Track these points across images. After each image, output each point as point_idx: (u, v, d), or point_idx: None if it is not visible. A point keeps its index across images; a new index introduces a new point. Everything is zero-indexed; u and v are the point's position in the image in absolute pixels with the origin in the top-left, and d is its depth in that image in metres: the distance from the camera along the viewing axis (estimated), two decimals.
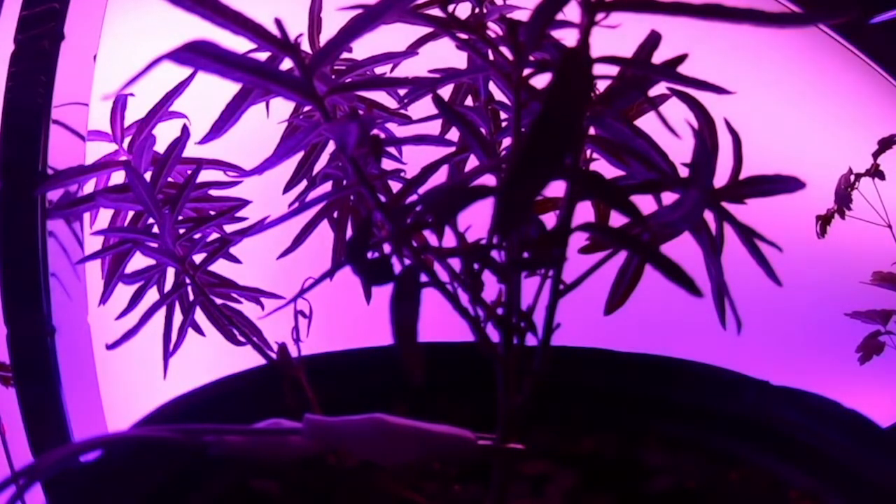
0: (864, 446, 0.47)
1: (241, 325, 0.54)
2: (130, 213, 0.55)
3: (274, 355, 0.53)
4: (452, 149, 0.47)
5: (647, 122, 0.37)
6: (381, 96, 0.55)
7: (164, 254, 0.51)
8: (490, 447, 0.38)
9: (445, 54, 0.50)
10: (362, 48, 0.43)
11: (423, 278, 0.32)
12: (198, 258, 0.53)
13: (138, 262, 0.54)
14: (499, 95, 0.47)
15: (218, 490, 0.47)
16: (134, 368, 0.76)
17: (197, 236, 0.52)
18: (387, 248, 0.35)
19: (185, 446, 0.38)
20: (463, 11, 0.50)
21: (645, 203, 0.31)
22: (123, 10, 0.73)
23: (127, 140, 0.58)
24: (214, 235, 0.54)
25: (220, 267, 0.55)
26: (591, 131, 0.37)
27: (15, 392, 0.60)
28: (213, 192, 0.56)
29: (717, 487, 0.47)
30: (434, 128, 0.53)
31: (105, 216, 0.58)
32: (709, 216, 0.36)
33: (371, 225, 0.34)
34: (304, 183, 0.55)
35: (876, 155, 0.82)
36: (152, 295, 0.54)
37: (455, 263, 0.36)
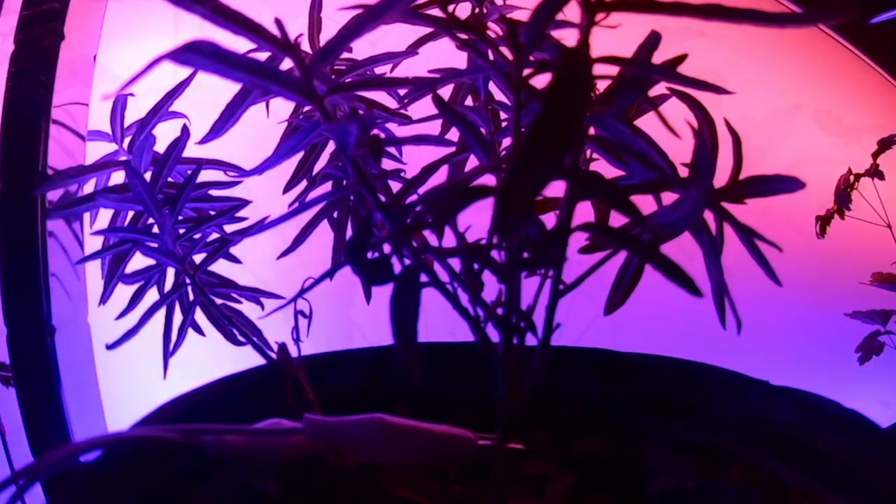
0: (864, 446, 0.47)
1: (241, 325, 0.54)
2: (130, 213, 0.55)
3: (274, 355, 0.53)
4: (452, 149, 0.47)
5: (647, 122, 0.37)
6: (381, 96, 0.55)
7: (164, 254, 0.51)
8: (490, 447, 0.38)
9: (445, 54, 0.50)
10: (362, 48, 0.43)
11: (423, 278, 0.32)
12: (198, 258, 0.53)
13: (138, 262, 0.54)
14: (499, 95, 0.47)
15: (218, 490, 0.47)
16: (134, 368, 0.76)
17: (197, 236, 0.52)
18: (387, 248, 0.35)
19: (185, 446, 0.38)
20: (463, 11, 0.50)
21: (645, 203, 0.31)
22: (123, 10, 0.73)
23: (127, 140, 0.58)
24: (214, 235, 0.54)
25: (220, 267, 0.55)
26: (591, 131, 0.37)
27: (15, 392, 0.60)
28: (213, 192, 0.56)
29: (717, 487, 0.47)
30: (434, 128, 0.53)
31: (105, 216, 0.58)
32: (709, 216, 0.36)
33: (371, 225, 0.34)
34: (304, 183, 0.55)
35: (876, 155, 0.82)
36: (152, 295, 0.54)
37: (455, 263, 0.36)
